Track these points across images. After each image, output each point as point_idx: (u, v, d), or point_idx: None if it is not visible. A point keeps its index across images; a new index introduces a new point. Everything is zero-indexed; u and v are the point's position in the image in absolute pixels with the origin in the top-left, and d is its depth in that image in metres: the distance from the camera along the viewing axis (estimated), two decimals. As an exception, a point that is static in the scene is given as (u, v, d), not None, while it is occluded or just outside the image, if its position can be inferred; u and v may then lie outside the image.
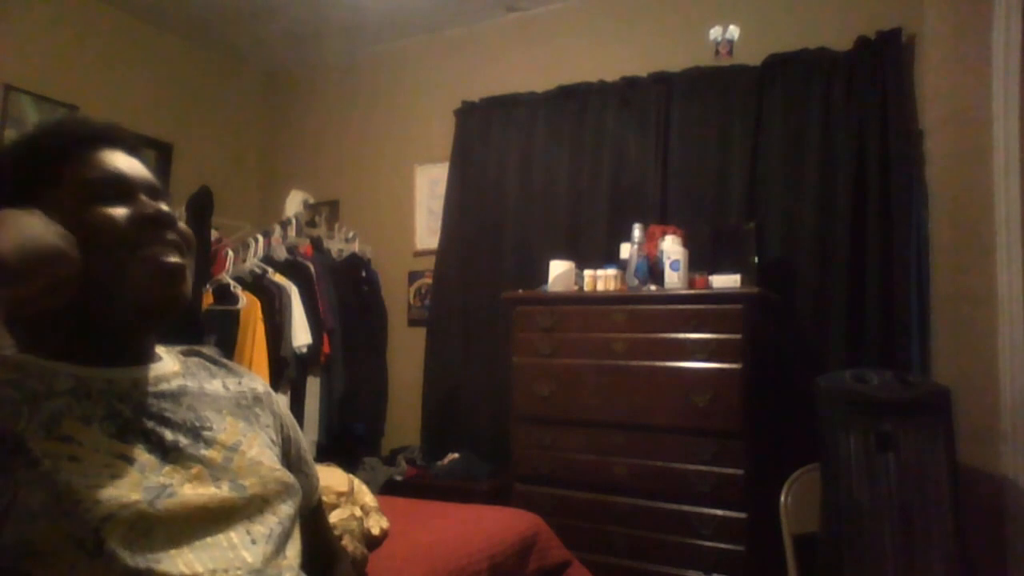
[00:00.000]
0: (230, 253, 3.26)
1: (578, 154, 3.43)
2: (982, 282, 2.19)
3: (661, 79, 3.26)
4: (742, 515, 2.45)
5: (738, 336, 2.50)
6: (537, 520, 2.11)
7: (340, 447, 3.35)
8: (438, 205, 3.83)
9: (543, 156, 3.52)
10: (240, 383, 0.90)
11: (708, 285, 2.66)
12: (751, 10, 3.17)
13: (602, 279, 2.81)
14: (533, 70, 3.62)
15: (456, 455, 3.38)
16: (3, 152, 0.81)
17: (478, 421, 3.51)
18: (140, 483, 0.69)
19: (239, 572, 0.71)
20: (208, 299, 3.07)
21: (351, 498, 1.77)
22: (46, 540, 0.62)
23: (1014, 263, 2.05)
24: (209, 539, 0.71)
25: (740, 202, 3.04)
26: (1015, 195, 2.06)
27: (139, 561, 0.64)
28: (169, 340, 0.87)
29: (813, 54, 2.97)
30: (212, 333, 2.96)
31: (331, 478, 1.76)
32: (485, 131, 3.69)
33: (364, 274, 3.79)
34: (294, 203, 3.83)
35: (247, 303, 3.08)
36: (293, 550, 0.81)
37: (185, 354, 0.89)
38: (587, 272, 2.87)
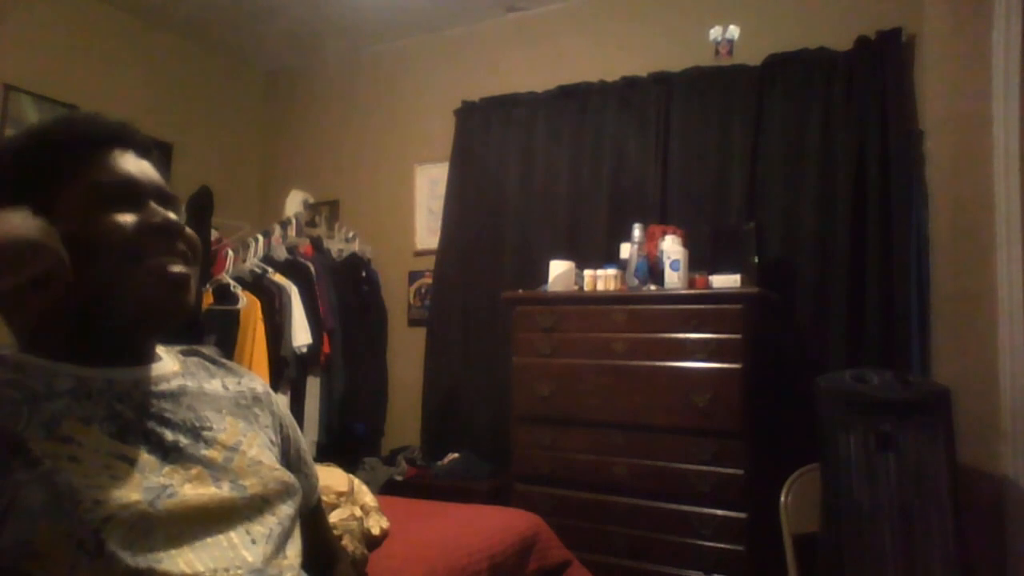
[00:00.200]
0: (230, 253, 3.26)
1: (578, 154, 3.43)
2: (982, 282, 2.19)
3: (661, 79, 3.26)
4: (742, 515, 2.45)
5: (738, 336, 2.50)
6: (537, 520, 2.11)
7: (340, 447, 3.35)
8: (438, 205, 3.83)
9: (543, 156, 3.52)
10: (239, 383, 0.90)
11: (708, 285, 2.66)
12: (751, 10, 3.17)
13: (602, 279, 2.81)
14: (533, 70, 3.62)
15: (456, 455, 3.38)
16: (11, 145, 0.79)
17: (478, 421, 3.51)
18: (140, 484, 0.69)
19: (240, 572, 0.71)
20: (208, 299, 3.07)
21: (351, 498, 1.77)
22: (46, 541, 0.62)
23: (1014, 263, 2.05)
24: (209, 539, 0.71)
25: (740, 202, 3.04)
26: (1015, 195, 2.06)
27: (139, 561, 0.64)
28: (169, 340, 0.86)
29: (813, 54, 2.97)
30: (212, 333, 2.96)
31: (331, 478, 1.76)
32: (485, 131, 3.69)
33: (364, 274, 3.79)
34: (294, 203, 3.83)
35: (247, 303, 3.08)
36: (293, 550, 0.81)
37: (185, 354, 0.89)
38: (587, 272, 2.87)
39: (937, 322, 2.58)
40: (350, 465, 2.83)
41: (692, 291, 2.64)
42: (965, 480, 2.11)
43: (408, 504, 2.22)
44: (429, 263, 3.85)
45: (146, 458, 0.72)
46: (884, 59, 2.83)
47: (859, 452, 2.11)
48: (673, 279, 2.67)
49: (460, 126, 3.78)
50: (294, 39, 4.10)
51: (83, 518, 0.63)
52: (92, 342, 0.75)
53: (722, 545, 2.46)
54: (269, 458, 0.84)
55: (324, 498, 1.27)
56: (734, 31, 3.13)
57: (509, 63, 3.74)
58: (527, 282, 3.20)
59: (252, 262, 3.30)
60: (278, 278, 3.23)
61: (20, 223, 0.61)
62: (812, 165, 2.93)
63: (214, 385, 0.86)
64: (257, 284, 3.20)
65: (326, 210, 4.17)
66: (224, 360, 0.93)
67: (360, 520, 1.68)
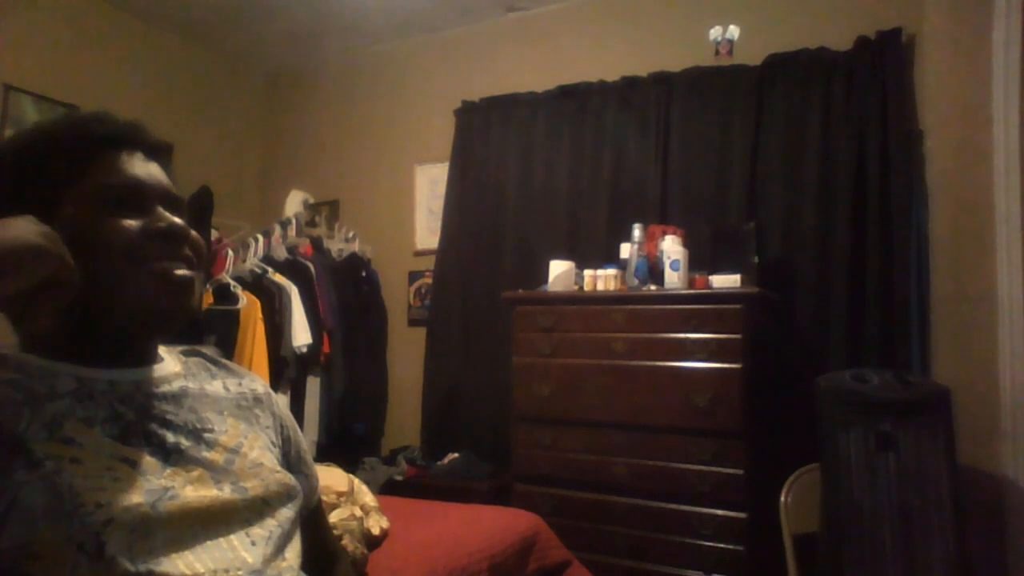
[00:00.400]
0: (230, 253, 3.26)
1: (578, 154, 3.43)
2: (982, 282, 2.18)
3: (661, 79, 3.26)
4: (742, 515, 2.45)
5: (738, 336, 2.50)
6: (537, 520, 2.11)
7: (340, 447, 3.35)
8: (438, 205, 3.83)
9: (543, 156, 3.52)
10: (240, 384, 0.90)
11: (708, 285, 2.66)
12: (751, 10, 3.17)
13: (602, 279, 2.81)
14: (533, 70, 3.63)
15: (456, 455, 3.38)
16: (18, 142, 0.79)
17: (478, 421, 3.51)
18: (142, 486, 0.69)
19: (239, 573, 0.71)
20: (208, 299, 3.07)
21: (351, 498, 1.77)
22: (47, 542, 0.62)
23: (1014, 263, 2.05)
24: (209, 542, 0.71)
25: (740, 202, 3.04)
26: (1015, 195, 2.05)
27: (139, 564, 0.64)
28: (169, 339, 0.86)
29: (813, 54, 2.97)
30: (212, 333, 2.96)
31: (331, 478, 1.76)
32: (485, 131, 3.69)
33: (364, 274, 3.79)
34: (294, 203, 3.84)
35: (247, 303, 3.08)
36: (292, 552, 0.81)
37: (186, 354, 0.89)
38: (587, 272, 2.87)
39: (937, 322, 2.58)
40: (350, 465, 2.83)
41: (692, 291, 2.64)
42: (965, 480, 2.11)
43: (408, 504, 2.22)
44: (429, 263, 3.85)
45: (148, 460, 0.72)
46: (884, 59, 2.83)
47: (859, 452, 2.10)
48: (673, 279, 2.67)
49: (460, 126, 3.78)
50: (294, 39, 4.10)
51: (84, 520, 0.63)
52: (94, 343, 0.75)
53: (722, 545, 2.46)
54: (270, 460, 0.84)
55: (324, 498, 1.27)
56: (734, 31, 3.13)
57: (509, 63, 3.74)
58: (527, 282, 3.20)
59: (252, 262, 3.30)
60: (278, 278, 3.23)
61: (24, 228, 0.61)
62: (812, 165, 2.93)
63: (215, 386, 0.86)
64: (257, 284, 3.20)
65: (326, 210, 4.17)
66: (225, 361, 0.93)
67: (360, 520, 1.68)
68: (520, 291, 3.04)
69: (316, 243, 3.62)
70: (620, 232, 3.01)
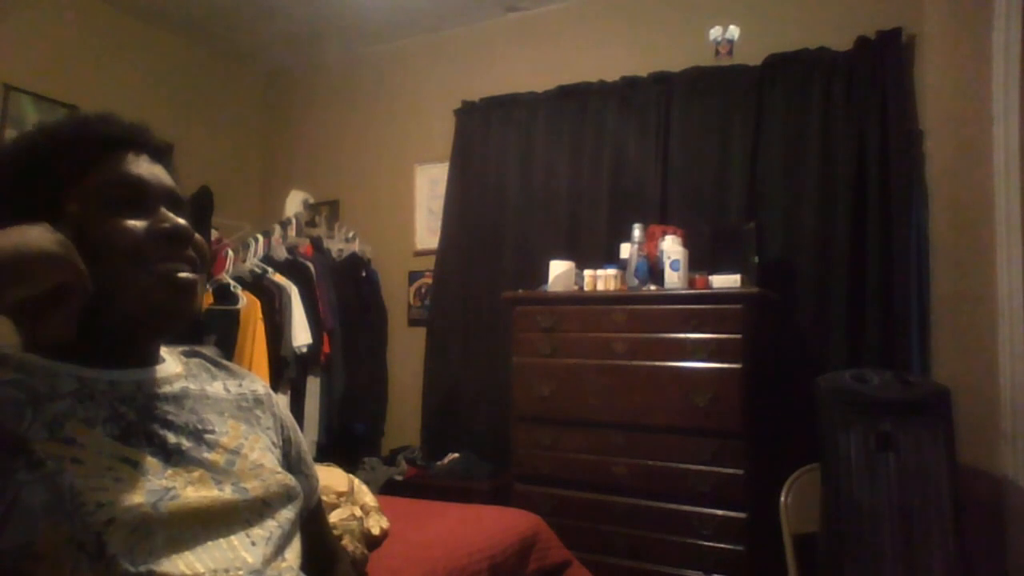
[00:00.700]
0: (230, 253, 3.26)
1: (578, 154, 3.43)
2: (982, 282, 2.19)
3: (661, 79, 3.26)
4: (742, 515, 2.45)
5: (738, 336, 2.50)
6: (537, 520, 2.11)
7: (340, 447, 3.35)
8: (438, 205, 3.83)
9: (543, 156, 3.52)
10: (241, 385, 0.90)
11: (708, 285, 2.66)
12: (751, 10, 3.17)
13: (602, 279, 2.81)
14: (533, 70, 3.63)
15: (456, 455, 3.38)
16: (23, 142, 0.79)
17: (478, 421, 3.51)
18: (143, 486, 0.69)
19: (239, 573, 0.71)
20: (208, 299, 3.07)
21: (351, 498, 1.77)
22: (47, 542, 0.62)
23: (1014, 263, 2.05)
24: (210, 542, 0.71)
25: (740, 202, 3.04)
26: (1015, 195, 2.05)
27: (140, 563, 0.65)
28: (169, 340, 0.86)
29: (813, 54, 2.97)
30: (212, 333, 2.96)
31: (331, 478, 1.77)
32: (485, 131, 3.69)
33: (364, 274, 3.79)
34: (294, 203, 3.84)
35: (247, 303, 3.08)
36: (292, 552, 0.81)
37: (187, 355, 0.89)
38: (587, 272, 2.87)
39: (937, 322, 2.58)
40: (350, 465, 2.84)
41: (692, 291, 2.64)
42: (965, 480, 2.11)
43: (408, 504, 2.22)
44: (429, 263, 3.85)
45: (149, 460, 0.72)
46: (884, 59, 2.83)
47: (859, 452, 2.11)
48: (673, 279, 2.67)
49: (460, 126, 3.78)
50: (294, 39, 4.10)
51: (85, 520, 0.63)
52: (96, 343, 0.75)
53: (722, 545, 2.46)
54: (271, 461, 0.84)
55: (324, 498, 1.27)
56: (734, 31, 3.13)
57: (509, 63, 3.74)
58: (527, 282, 3.20)
59: (252, 262, 3.31)
60: (278, 278, 3.23)
61: (39, 236, 0.61)
62: (812, 165, 2.93)
63: (216, 387, 0.86)
64: (257, 284, 3.20)
65: (326, 210, 4.17)
66: (225, 362, 0.93)
67: (360, 520, 1.68)
68: (520, 291, 3.04)
69: (316, 243, 3.62)
70: (620, 232, 3.01)
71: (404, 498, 2.46)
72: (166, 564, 0.66)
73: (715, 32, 3.15)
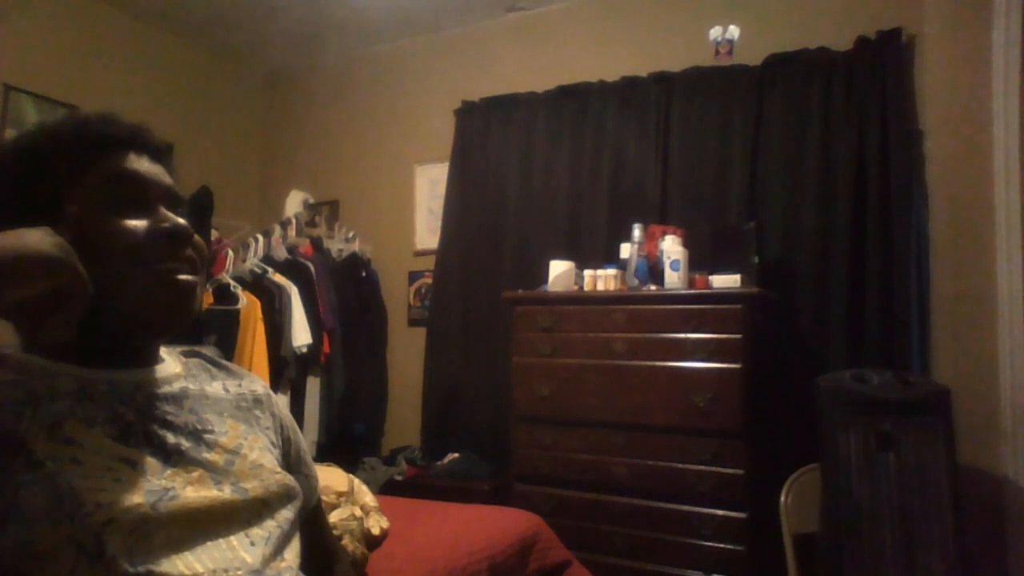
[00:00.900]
0: (230, 253, 3.26)
1: (578, 154, 3.43)
2: (982, 282, 2.19)
3: (661, 79, 3.26)
4: (742, 515, 2.45)
5: (738, 336, 2.50)
6: (537, 520, 2.11)
7: (340, 447, 3.35)
8: (438, 205, 3.83)
9: (543, 156, 3.52)
10: (240, 385, 0.90)
11: (708, 285, 2.66)
12: (751, 10, 3.17)
13: (602, 279, 2.81)
14: (533, 70, 3.63)
15: (456, 455, 3.38)
16: (23, 142, 0.79)
17: (478, 421, 3.51)
18: (143, 486, 0.69)
19: (239, 573, 0.71)
20: (208, 299, 3.07)
21: (351, 498, 1.77)
22: (47, 543, 0.62)
23: (1014, 263, 2.05)
24: (209, 542, 0.71)
25: (740, 202, 3.04)
26: (1015, 195, 2.06)
27: (139, 564, 0.65)
28: (169, 340, 0.86)
29: (813, 54, 2.97)
30: (212, 333, 2.96)
31: (331, 478, 1.76)
32: (485, 131, 3.69)
33: (364, 274, 3.79)
34: (294, 203, 3.84)
35: (247, 303, 3.08)
36: (291, 552, 0.81)
37: (186, 355, 0.89)
38: (587, 272, 2.87)
39: (937, 322, 2.58)
40: (350, 465, 2.84)
41: (692, 291, 2.64)
42: (965, 480, 2.12)
43: (408, 504, 2.22)
44: (429, 263, 3.85)
45: (148, 461, 0.72)
46: (884, 59, 2.83)
47: (859, 452, 2.11)
48: (673, 279, 2.67)
49: (460, 126, 3.78)
50: (294, 39, 4.10)
51: (84, 521, 0.63)
52: (95, 344, 0.75)
53: (722, 545, 2.46)
54: (270, 461, 0.84)
55: (324, 498, 1.27)
56: (734, 31, 3.13)
57: (509, 63, 3.74)
58: (527, 282, 3.20)
59: (252, 262, 3.31)
60: (278, 278, 3.23)
61: (38, 239, 0.61)
62: (812, 165, 2.93)
63: (215, 387, 0.86)
64: (257, 284, 3.21)
65: (326, 210, 4.17)
66: (225, 362, 0.93)
67: (360, 520, 1.68)
68: (520, 291, 3.04)
69: (316, 243, 3.62)
70: (620, 232, 3.01)
71: (404, 498, 2.46)
72: (165, 564, 0.66)
73: (715, 32, 3.15)
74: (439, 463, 3.36)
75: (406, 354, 3.88)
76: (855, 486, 2.09)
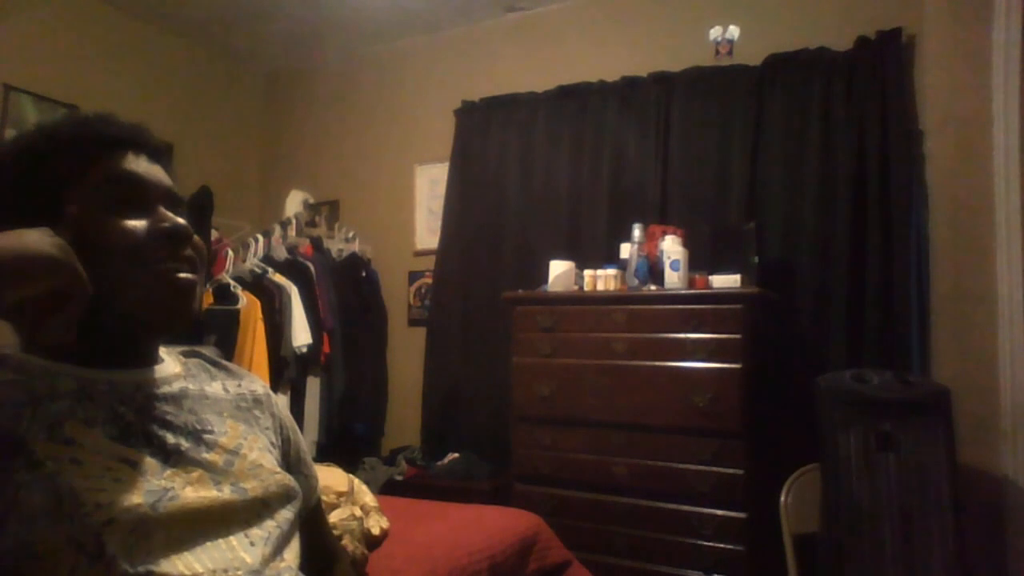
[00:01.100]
0: (230, 253, 3.26)
1: (578, 154, 3.43)
2: (982, 282, 2.19)
3: (661, 79, 3.26)
4: (742, 515, 2.45)
5: (738, 336, 2.50)
6: (537, 520, 2.11)
7: (340, 447, 3.35)
8: (438, 205, 3.83)
9: (543, 156, 3.52)
10: (240, 385, 0.90)
11: (708, 285, 2.66)
12: (751, 10, 3.17)
13: (602, 279, 2.81)
14: (533, 70, 3.63)
15: (456, 455, 3.38)
16: (22, 142, 0.79)
17: (478, 421, 3.51)
18: (142, 487, 0.69)
19: (239, 573, 0.71)
20: (208, 299, 3.07)
21: (351, 498, 1.77)
22: (46, 543, 0.62)
23: (1014, 263, 2.05)
24: (209, 543, 0.71)
25: (740, 202, 3.04)
26: (1015, 195, 2.06)
27: (139, 564, 0.64)
28: (169, 340, 0.86)
29: (813, 54, 2.97)
30: (212, 333, 2.96)
31: (331, 478, 1.76)
32: (485, 131, 3.69)
33: (364, 274, 3.79)
34: (294, 203, 3.84)
35: (247, 303, 3.08)
36: (291, 553, 0.81)
37: (186, 355, 0.89)
38: (587, 272, 2.87)
39: (937, 322, 2.58)
40: (350, 465, 2.83)
41: (692, 291, 2.64)
42: (965, 480, 2.12)
43: (408, 504, 2.22)
44: (429, 263, 3.85)
45: (148, 461, 0.72)
46: (884, 59, 2.83)
47: (859, 452, 2.11)
48: (673, 279, 2.67)
49: (460, 126, 3.78)
50: (294, 39, 4.10)
51: (84, 521, 0.63)
52: (95, 344, 0.75)
53: (722, 545, 2.46)
54: (270, 461, 0.84)
55: (324, 498, 1.27)
56: (734, 31, 3.13)
57: (509, 63, 3.74)
58: (527, 282, 3.20)
59: (252, 262, 3.31)
60: (278, 278, 3.23)
61: (37, 239, 0.61)
62: (812, 165, 2.93)
63: (215, 388, 0.86)
64: (257, 284, 3.21)
65: (326, 210, 4.17)
66: (224, 362, 0.93)
67: (360, 520, 1.68)
68: (520, 291, 3.04)
69: (316, 243, 3.62)
70: (620, 232, 3.01)
71: (404, 498, 2.46)
72: (165, 564, 0.66)
73: (715, 32, 3.15)
74: (439, 463, 3.36)
75: (406, 354, 3.88)
76: (855, 486, 2.09)
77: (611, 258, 2.97)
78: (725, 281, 2.64)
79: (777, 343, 2.84)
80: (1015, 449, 2.05)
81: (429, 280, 3.86)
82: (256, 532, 0.76)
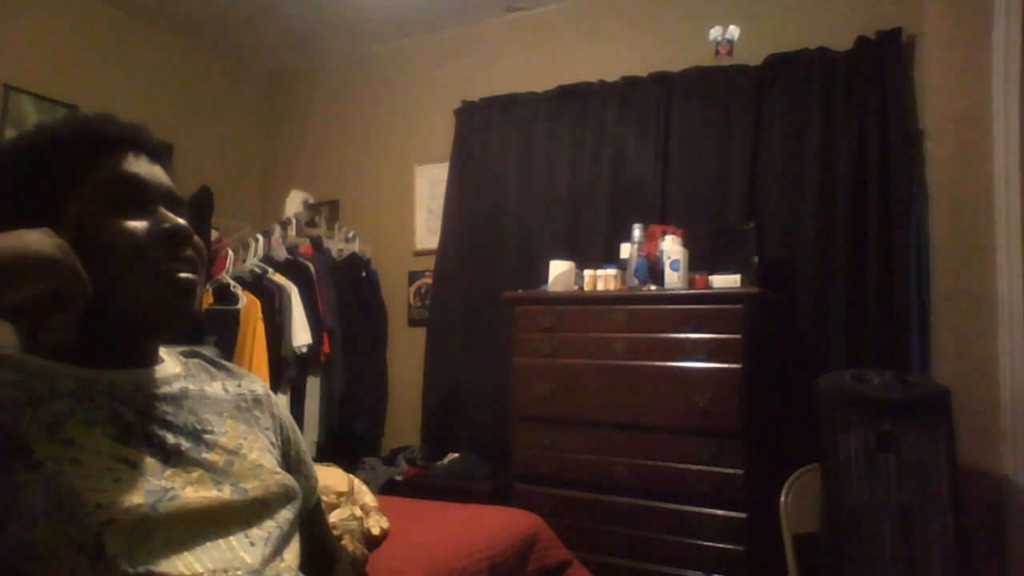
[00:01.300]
0: (230, 253, 3.26)
1: (578, 154, 3.43)
2: (982, 282, 2.19)
3: (661, 79, 3.26)
4: (742, 515, 2.45)
5: (738, 336, 2.49)
6: (537, 520, 2.11)
7: (340, 447, 3.35)
8: (438, 205, 3.83)
9: (543, 156, 3.52)
10: (240, 385, 0.90)
11: (708, 285, 2.66)
12: (751, 10, 3.17)
13: (602, 279, 2.81)
14: (533, 70, 3.62)
15: (456, 455, 3.38)
16: (21, 143, 0.79)
17: (478, 421, 3.51)
18: (143, 487, 0.69)
19: (238, 573, 0.71)
20: (208, 299, 3.07)
21: (351, 498, 1.77)
22: (46, 543, 0.62)
23: (1014, 263, 2.05)
24: (209, 543, 0.71)
25: (740, 202, 3.04)
26: (1015, 195, 2.06)
27: (139, 564, 0.65)
28: (169, 340, 0.86)
29: (813, 54, 2.97)
30: (212, 333, 2.96)
31: (331, 478, 1.77)
32: (485, 131, 3.69)
33: (364, 274, 3.79)
34: (294, 203, 3.84)
35: (247, 303, 3.08)
36: (291, 553, 0.81)
37: (186, 355, 0.89)
38: (587, 272, 2.87)
39: (937, 322, 2.58)
40: (350, 465, 2.84)
41: (692, 291, 2.64)
42: (965, 480, 2.12)
43: (408, 504, 2.22)
44: (429, 263, 3.85)
45: (148, 461, 0.72)
46: (884, 59, 2.83)
47: (859, 452, 2.11)
48: (673, 279, 2.67)
49: (460, 126, 3.78)
50: (294, 39, 4.10)
51: (84, 521, 0.63)
52: (95, 343, 0.75)
53: (722, 545, 2.46)
54: (270, 461, 0.84)
55: (324, 498, 1.27)
56: (734, 31, 3.13)
57: (509, 63, 3.74)
58: (527, 282, 3.20)
59: (252, 262, 3.31)
60: (278, 278, 3.23)
61: (37, 239, 0.61)
62: (812, 165, 2.93)
63: (215, 388, 0.86)
64: (257, 284, 3.21)
65: (326, 210, 4.17)
66: (224, 362, 0.93)
67: (360, 520, 1.68)
68: (520, 291, 3.04)
69: (316, 243, 3.62)
70: (620, 232, 3.01)
71: (404, 498, 2.46)
72: (165, 565, 0.66)
73: (715, 32, 3.15)
74: (439, 463, 3.36)
75: (406, 354, 3.88)
76: (855, 486, 2.09)
77: (611, 258, 2.97)
78: (725, 281, 2.64)
79: (777, 343, 2.83)
80: (1015, 449, 2.05)
81: (429, 280, 3.86)
82: (256, 532, 0.76)
